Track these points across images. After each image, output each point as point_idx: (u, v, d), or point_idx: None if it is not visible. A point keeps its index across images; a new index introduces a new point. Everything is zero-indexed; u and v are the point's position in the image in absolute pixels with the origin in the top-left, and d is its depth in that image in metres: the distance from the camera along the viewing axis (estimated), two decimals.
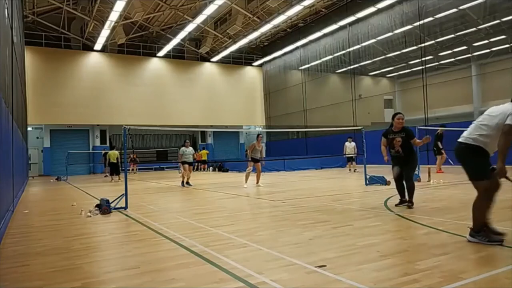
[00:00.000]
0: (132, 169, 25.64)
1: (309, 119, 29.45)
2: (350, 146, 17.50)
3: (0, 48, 5.50)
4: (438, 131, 14.54)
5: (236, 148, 35.59)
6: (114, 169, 18.01)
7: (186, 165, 13.27)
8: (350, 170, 18.03)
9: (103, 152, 24.97)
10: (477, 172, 3.94)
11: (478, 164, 3.95)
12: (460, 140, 4.13)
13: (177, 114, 30.05)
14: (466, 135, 4.09)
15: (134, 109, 28.53)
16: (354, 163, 17.90)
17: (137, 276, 3.31)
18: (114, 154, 18.11)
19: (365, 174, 11.17)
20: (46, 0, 23.33)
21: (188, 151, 13.41)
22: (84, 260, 3.95)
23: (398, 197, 6.86)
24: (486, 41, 24.92)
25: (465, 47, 26.25)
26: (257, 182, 12.17)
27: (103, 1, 22.85)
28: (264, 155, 12.68)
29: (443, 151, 14.24)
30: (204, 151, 27.72)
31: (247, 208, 7.73)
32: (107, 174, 24.78)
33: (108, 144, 29.37)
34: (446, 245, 3.95)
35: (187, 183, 13.37)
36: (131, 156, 24.78)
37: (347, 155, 17.56)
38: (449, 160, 13.73)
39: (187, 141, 13.89)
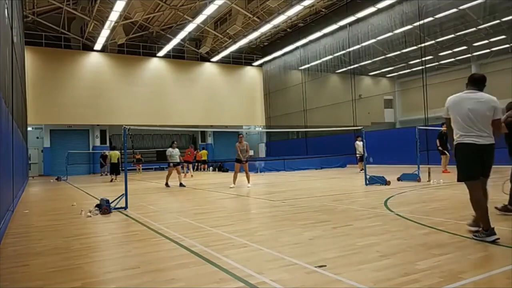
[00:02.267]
0: (138, 169, 25.91)
1: (309, 119, 29.46)
2: (361, 145, 17.15)
3: (0, 48, 5.49)
4: (442, 129, 14.18)
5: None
6: (115, 169, 18.07)
7: (173, 167, 13.53)
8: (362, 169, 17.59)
9: (104, 152, 25.08)
10: None
11: None
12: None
13: (177, 114, 30.04)
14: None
15: (134, 109, 28.53)
16: (360, 162, 17.64)
17: (137, 276, 3.31)
18: (115, 155, 18.17)
19: (365, 174, 11.17)
20: (46, 0, 23.33)
21: (175, 152, 13.61)
22: (84, 260, 3.95)
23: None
24: (486, 41, 24.91)
25: (465, 47, 26.25)
26: (248, 182, 12.10)
27: (103, 1, 22.85)
28: (249, 153, 12.57)
29: (446, 151, 14.06)
30: (204, 151, 27.73)
31: (247, 208, 7.74)
32: (106, 173, 24.95)
33: (108, 144, 29.40)
34: (446, 245, 3.95)
35: (166, 184, 13.42)
36: (136, 156, 24.96)
37: (358, 154, 17.21)
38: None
39: (175, 142, 14.07)
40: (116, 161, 18.06)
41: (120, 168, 17.98)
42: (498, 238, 3.93)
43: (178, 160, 13.80)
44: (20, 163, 11.49)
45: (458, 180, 4.27)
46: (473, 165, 4.16)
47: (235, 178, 12.20)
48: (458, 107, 4.28)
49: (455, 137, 4.32)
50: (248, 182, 12.07)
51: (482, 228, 4.09)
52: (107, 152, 25.33)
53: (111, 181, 17.74)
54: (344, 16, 24.60)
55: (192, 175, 19.61)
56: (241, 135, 12.35)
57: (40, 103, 25.81)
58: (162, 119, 28.74)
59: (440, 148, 14.32)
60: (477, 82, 4.34)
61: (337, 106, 27.32)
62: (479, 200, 4.14)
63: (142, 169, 26.84)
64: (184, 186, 13.16)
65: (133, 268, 3.57)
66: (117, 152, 18.36)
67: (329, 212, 6.40)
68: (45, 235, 5.36)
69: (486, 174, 4.30)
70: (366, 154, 11.85)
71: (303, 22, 28.30)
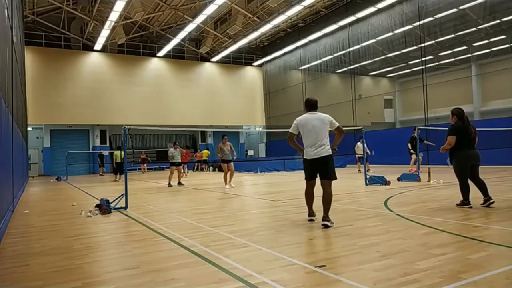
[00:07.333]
0: (143, 169, 26.21)
1: None
2: (361, 146, 16.89)
3: (0, 48, 5.49)
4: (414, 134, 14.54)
5: (236, 148, 35.53)
6: (119, 169, 18.15)
7: (173, 166, 13.90)
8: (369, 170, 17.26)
9: (101, 152, 25.11)
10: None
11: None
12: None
13: (177, 114, 30.03)
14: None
15: (134, 109, 28.52)
16: (358, 163, 17.49)
17: (137, 276, 3.31)
18: (120, 154, 18.24)
19: (365, 174, 11.18)
20: (46, 0, 23.32)
21: (176, 153, 13.99)
22: (84, 260, 3.95)
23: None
24: (486, 41, 24.92)
25: (465, 47, 26.26)
26: (230, 181, 12.20)
27: (103, 1, 22.84)
28: (235, 154, 12.81)
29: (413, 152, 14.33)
30: (205, 151, 27.74)
31: (247, 208, 7.73)
32: (102, 173, 25.05)
33: (108, 144, 29.39)
34: (446, 245, 3.95)
35: (169, 184, 13.69)
36: (141, 156, 25.15)
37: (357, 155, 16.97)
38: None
39: (177, 142, 14.50)
40: (120, 161, 18.10)
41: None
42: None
43: (179, 160, 14.12)
44: (20, 163, 11.48)
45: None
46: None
47: (225, 178, 12.24)
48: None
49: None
50: (230, 181, 12.18)
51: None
52: (105, 152, 25.44)
53: (114, 180, 17.83)
54: (344, 16, 24.59)
55: (186, 175, 19.95)
56: (226, 136, 12.65)
57: (40, 103, 25.79)
58: (162, 119, 28.72)
59: (412, 150, 14.48)
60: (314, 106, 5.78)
61: (337, 106, 27.26)
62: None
63: (147, 168, 27.10)
64: (183, 184, 13.72)
65: (133, 268, 3.57)
66: (123, 152, 18.43)
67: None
68: (45, 235, 5.36)
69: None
70: (367, 154, 11.86)
71: (303, 22, 28.29)
